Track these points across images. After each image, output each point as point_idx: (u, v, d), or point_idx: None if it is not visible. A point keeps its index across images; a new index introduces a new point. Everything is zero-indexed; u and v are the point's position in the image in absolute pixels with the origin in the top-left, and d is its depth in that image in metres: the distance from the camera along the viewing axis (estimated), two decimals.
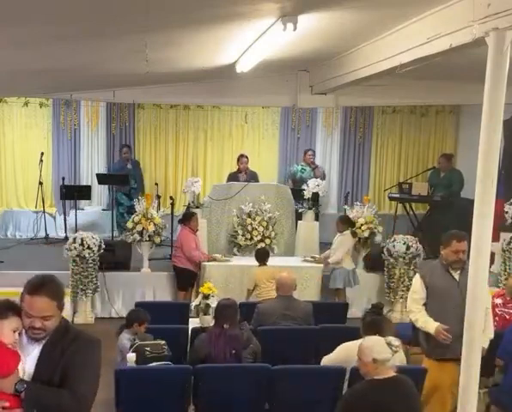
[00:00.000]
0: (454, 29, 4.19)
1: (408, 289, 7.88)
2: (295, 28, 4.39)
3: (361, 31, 5.45)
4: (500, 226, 7.82)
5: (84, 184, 10.69)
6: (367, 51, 6.10)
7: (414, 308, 4.62)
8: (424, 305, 4.57)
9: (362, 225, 8.06)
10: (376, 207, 8.83)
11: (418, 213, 10.26)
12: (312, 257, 7.99)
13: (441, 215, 9.03)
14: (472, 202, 3.71)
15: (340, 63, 6.98)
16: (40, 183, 9.83)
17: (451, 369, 4.36)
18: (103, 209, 10.88)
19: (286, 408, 4.57)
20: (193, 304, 6.06)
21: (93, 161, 10.97)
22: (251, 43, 5.48)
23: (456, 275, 4.49)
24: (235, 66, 6.75)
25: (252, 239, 8.31)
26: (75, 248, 7.50)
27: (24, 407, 2.51)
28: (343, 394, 4.04)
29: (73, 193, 9.97)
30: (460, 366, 3.88)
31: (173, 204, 8.89)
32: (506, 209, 8.04)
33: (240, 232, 8.31)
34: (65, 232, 9.88)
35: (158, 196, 9.16)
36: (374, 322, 4.24)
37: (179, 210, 9.73)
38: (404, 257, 7.90)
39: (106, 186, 10.54)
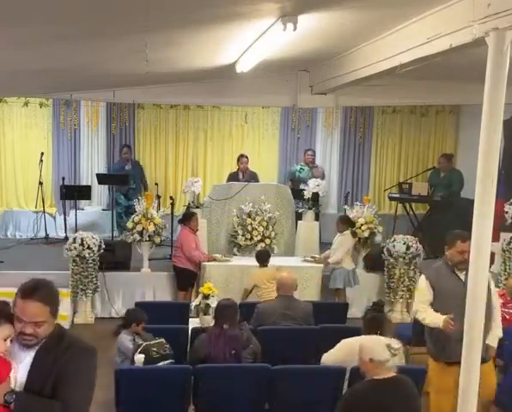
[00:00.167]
0: (454, 29, 4.18)
1: (408, 289, 7.98)
2: (295, 28, 4.38)
3: (361, 31, 5.44)
4: (500, 226, 7.80)
5: (84, 184, 10.68)
6: (367, 51, 6.10)
7: (420, 308, 4.60)
8: (431, 305, 4.56)
9: (362, 225, 8.07)
10: (376, 207, 8.83)
11: (418, 213, 10.26)
12: (312, 257, 7.99)
13: (441, 215, 9.04)
14: (472, 202, 3.70)
15: (340, 63, 6.98)
16: (40, 183, 9.83)
17: (456, 372, 4.35)
18: (103, 209, 10.87)
19: (286, 409, 4.58)
20: (193, 304, 6.07)
21: (93, 161, 10.97)
22: (251, 43, 5.47)
23: (462, 276, 4.47)
24: (235, 66, 6.75)
25: (252, 239, 8.31)
26: (75, 248, 7.50)
27: None
28: (343, 394, 4.04)
29: (73, 193, 9.96)
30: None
31: (173, 204, 8.89)
32: (506, 209, 8.02)
33: (240, 232, 8.31)
34: (65, 232, 9.87)
35: (158, 196, 9.17)
36: (376, 319, 4.27)
37: (179, 210, 9.73)
38: (404, 257, 7.90)
39: (106, 186, 10.54)
